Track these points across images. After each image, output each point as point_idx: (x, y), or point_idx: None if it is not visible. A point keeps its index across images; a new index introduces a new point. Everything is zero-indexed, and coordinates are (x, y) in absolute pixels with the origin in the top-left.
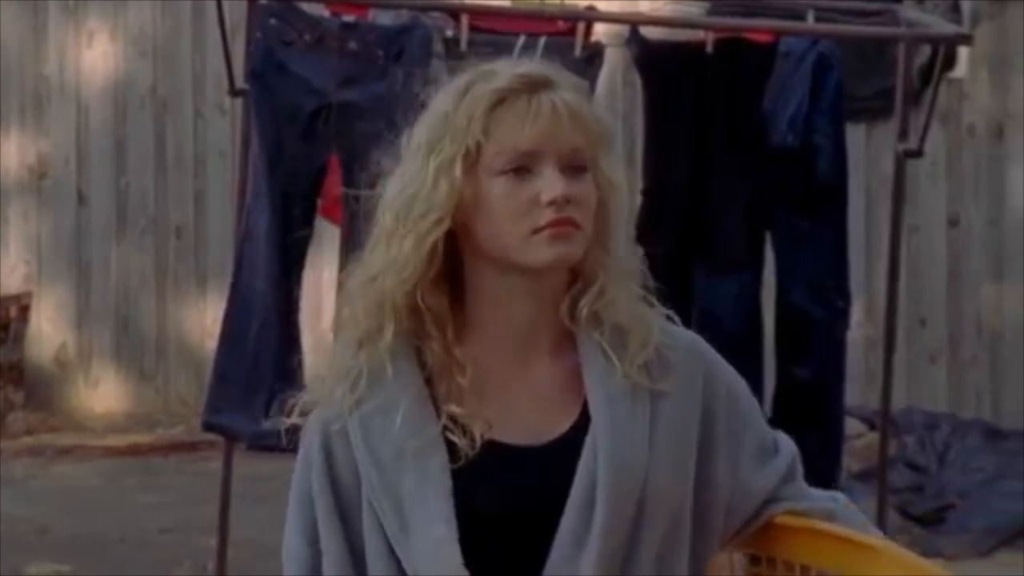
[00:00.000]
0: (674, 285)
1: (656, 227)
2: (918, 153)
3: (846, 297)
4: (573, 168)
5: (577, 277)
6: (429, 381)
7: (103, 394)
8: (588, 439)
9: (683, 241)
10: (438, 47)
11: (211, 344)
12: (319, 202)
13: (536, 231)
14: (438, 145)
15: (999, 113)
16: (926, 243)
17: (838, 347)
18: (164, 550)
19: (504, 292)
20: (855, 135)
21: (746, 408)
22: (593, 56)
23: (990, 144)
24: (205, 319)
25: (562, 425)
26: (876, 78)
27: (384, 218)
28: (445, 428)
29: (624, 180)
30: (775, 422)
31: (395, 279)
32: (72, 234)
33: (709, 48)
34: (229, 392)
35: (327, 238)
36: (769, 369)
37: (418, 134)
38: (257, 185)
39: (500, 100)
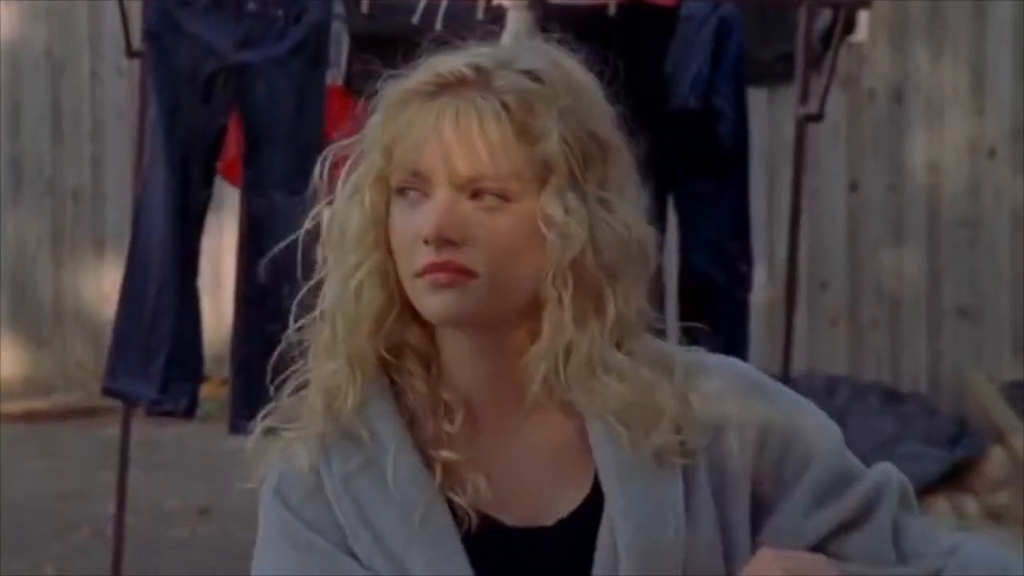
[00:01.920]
0: None
1: None
2: (818, 117)
3: (748, 260)
4: (479, 196)
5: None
6: (411, 425)
7: None
8: (604, 522)
9: None
10: (339, 8)
11: (109, 309)
12: (218, 164)
13: (416, 275)
14: (357, 158)
15: (899, 78)
16: (826, 207)
17: (741, 310)
18: (62, 516)
19: (447, 342)
20: (756, 99)
21: (805, 443)
22: (495, 19)
23: (890, 109)
24: (103, 284)
25: (570, 500)
26: (777, 42)
27: (323, 248)
28: (441, 485)
29: (577, 215)
30: None
31: (345, 327)
32: None
33: (612, 11)
34: (127, 357)
35: (227, 201)
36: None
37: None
38: (154, 147)
39: (402, 103)
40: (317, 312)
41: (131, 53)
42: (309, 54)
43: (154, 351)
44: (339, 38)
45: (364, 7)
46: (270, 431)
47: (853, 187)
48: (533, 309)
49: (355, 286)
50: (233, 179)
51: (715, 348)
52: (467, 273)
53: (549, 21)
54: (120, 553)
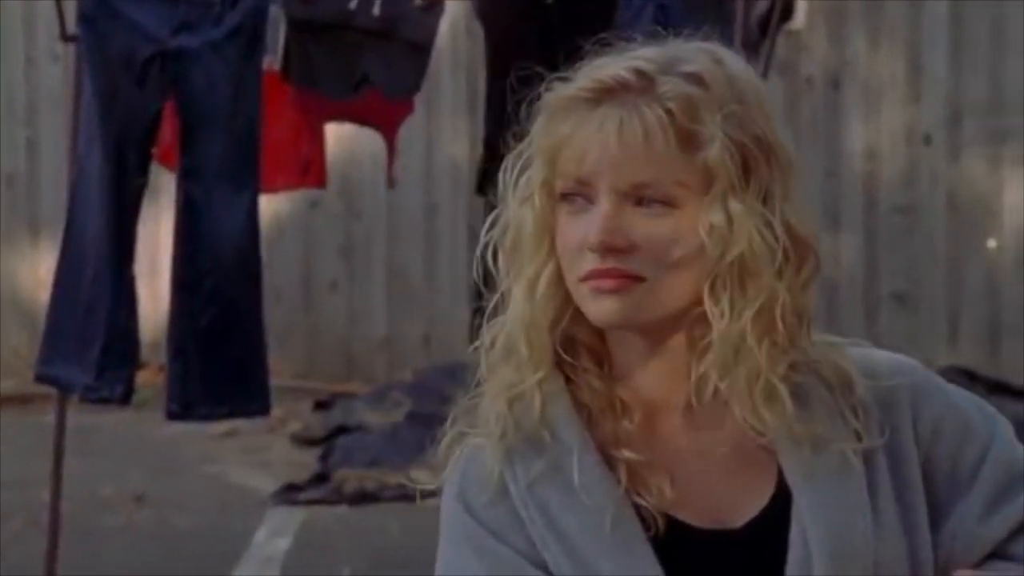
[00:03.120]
0: None
1: (497, 175)
2: None
3: None
4: (643, 203)
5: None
6: (588, 423)
7: None
8: (794, 524)
9: None
10: None
11: (45, 295)
12: (154, 150)
13: (580, 280)
14: (525, 165)
15: (836, 65)
16: None
17: None
18: None
19: (618, 343)
20: None
21: (978, 441)
22: (434, 4)
23: (827, 96)
24: (39, 270)
25: (754, 501)
26: (715, 28)
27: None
28: (627, 489)
29: (739, 222)
30: None
31: (525, 330)
32: None
33: None
34: (62, 343)
35: (165, 187)
36: None
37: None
38: (90, 133)
39: (565, 110)
40: (487, 315)
41: (66, 38)
42: (246, 39)
43: (89, 338)
44: (276, 23)
45: None
46: (459, 435)
47: None
48: (698, 313)
49: (539, 292)
50: (170, 165)
51: None
52: (631, 279)
53: (487, 8)
54: (56, 541)
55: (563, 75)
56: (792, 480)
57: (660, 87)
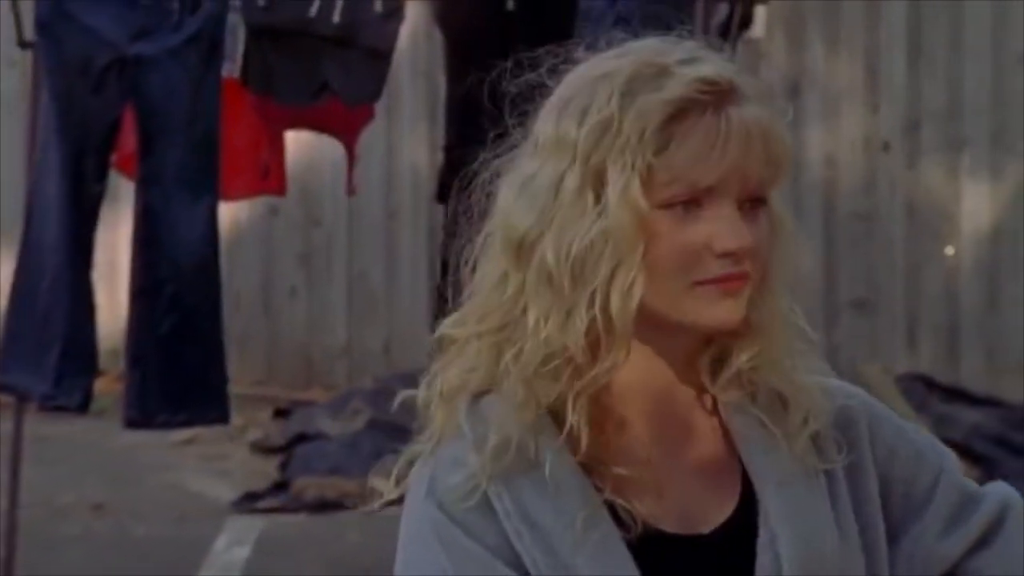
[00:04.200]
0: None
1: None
2: None
3: None
4: (753, 203)
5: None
6: (571, 436)
7: None
8: (762, 529)
9: None
10: (235, 0)
11: (2, 302)
12: (113, 157)
13: (699, 283)
14: (603, 166)
15: (795, 72)
16: None
17: None
18: None
19: (636, 352)
20: None
21: (929, 467)
22: (394, 10)
23: (786, 103)
24: None
25: (722, 506)
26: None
27: (546, 265)
28: (601, 489)
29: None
30: None
31: (584, 359)
32: None
33: (510, 4)
34: (20, 350)
35: (123, 194)
36: None
37: (561, 137)
38: (47, 140)
39: (679, 114)
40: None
41: (23, 43)
42: (205, 46)
43: (47, 345)
44: (235, 30)
45: None
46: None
47: None
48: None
49: (634, 297)
50: (129, 172)
51: None
52: (749, 279)
53: (447, 14)
54: (12, 549)
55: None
56: (760, 486)
57: (748, 89)
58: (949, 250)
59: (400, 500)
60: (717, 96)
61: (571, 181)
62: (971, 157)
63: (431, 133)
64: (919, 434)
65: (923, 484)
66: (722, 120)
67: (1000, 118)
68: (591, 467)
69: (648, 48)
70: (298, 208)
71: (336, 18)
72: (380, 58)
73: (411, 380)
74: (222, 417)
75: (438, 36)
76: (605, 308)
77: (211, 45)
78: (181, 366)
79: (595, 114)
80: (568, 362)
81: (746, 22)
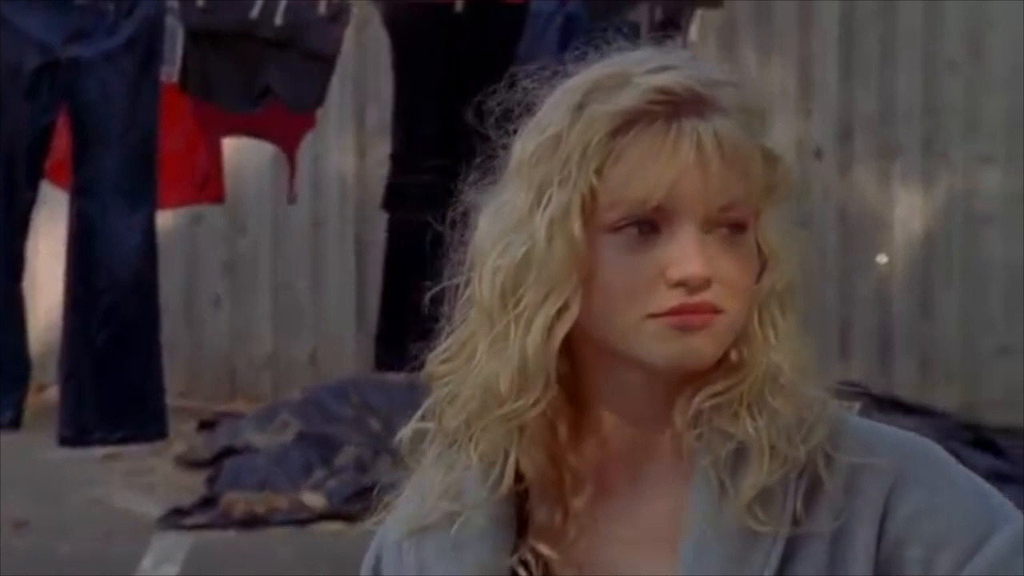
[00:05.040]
0: (425, 251)
1: (405, 191)
2: None
3: None
4: (726, 227)
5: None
6: (522, 496)
7: None
8: None
9: (434, 204)
10: (173, 2)
11: None
12: (45, 164)
13: (652, 316)
14: (548, 186)
15: None
16: None
17: None
18: None
19: (612, 389)
20: None
21: (962, 545)
22: (339, 14)
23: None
24: None
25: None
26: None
27: (482, 290)
28: (521, 562)
29: (796, 240)
30: None
31: (507, 394)
32: None
33: (459, 7)
34: None
35: (43, 202)
36: None
37: (524, 158)
38: None
39: (624, 126)
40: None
41: None
42: (142, 49)
43: None
44: (174, 33)
45: (200, 0)
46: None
47: None
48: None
49: (557, 333)
50: (60, 181)
51: None
52: (717, 312)
53: (395, 17)
54: None
55: (568, 86)
56: (683, 548)
57: (722, 100)
58: (882, 258)
59: (332, 516)
60: (672, 107)
61: (522, 202)
62: (903, 164)
63: (358, 139)
64: (978, 498)
65: (944, 566)
66: (671, 131)
67: (932, 125)
68: (540, 498)
69: (630, 58)
70: (222, 216)
71: (279, 20)
72: (324, 62)
73: (340, 391)
74: (159, 433)
75: (367, 40)
76: (523, 341)
77: (149, 48)
78: (118, 381)
79: (548, 130)
80: (500, 403)
81: (674, 22)
